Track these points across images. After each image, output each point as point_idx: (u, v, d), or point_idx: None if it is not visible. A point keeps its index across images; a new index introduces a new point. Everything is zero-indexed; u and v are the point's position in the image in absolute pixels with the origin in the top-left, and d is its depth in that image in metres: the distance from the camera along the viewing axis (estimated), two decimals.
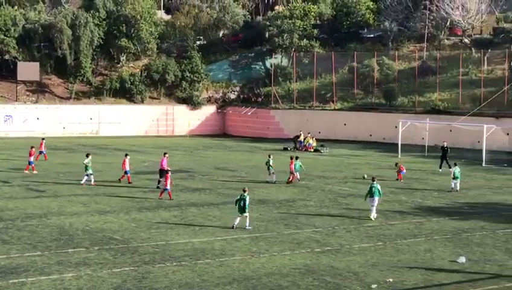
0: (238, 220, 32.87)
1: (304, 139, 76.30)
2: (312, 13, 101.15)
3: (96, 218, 34.97)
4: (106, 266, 25.84)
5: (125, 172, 47.26)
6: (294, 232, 32.23)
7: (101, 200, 40.42)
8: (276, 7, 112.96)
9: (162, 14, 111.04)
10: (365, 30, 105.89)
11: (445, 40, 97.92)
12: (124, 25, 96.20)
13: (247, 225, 32.78)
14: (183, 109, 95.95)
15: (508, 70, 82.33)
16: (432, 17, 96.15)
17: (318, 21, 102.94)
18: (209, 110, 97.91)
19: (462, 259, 27.35)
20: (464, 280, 24.77)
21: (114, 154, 67.33)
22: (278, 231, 32.56)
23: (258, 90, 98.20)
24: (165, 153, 47.26)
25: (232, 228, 32.64)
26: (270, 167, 48.57)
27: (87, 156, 47.35)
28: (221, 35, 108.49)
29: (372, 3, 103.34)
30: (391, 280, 24.56)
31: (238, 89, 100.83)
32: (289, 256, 27.81)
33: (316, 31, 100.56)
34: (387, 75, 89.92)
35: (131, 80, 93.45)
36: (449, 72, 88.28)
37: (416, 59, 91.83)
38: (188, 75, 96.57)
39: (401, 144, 67.61)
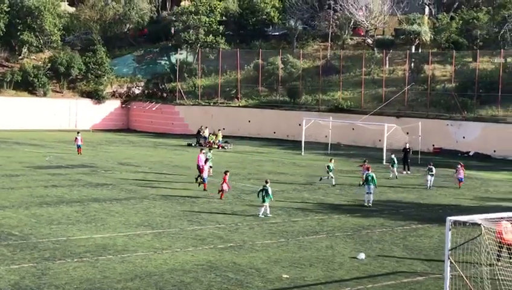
0: (262, 209, 35.46)
1: (209, 135, 76.25)
2: (218, 9, 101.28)
3: None
4: (4, 263, 25.23)
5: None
6: (197, 229, 32.20)
7: None
8: (182, 2, 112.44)
9: (65, 6, 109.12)
10: (270, 28, 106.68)
11: (349, 40, 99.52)
12: (27, 17, 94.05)
13: (268, 212, 35.47)
14: (87, 103, 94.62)
15: (408, 70, 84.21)
16: (336, 17, 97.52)
17: (224, 17, 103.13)
18: (114, 104, 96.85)
19: (362, 255, 27.86)
20: (364, 276, 25.21)
21: (13, 148, 65.97)
22: (181, 227, 32.48)
23: (163, 86, 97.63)
24: (201, 149, 49.17)
25: (265, 215, 35.24)
26: (330, 171, 47.83)
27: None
28: (126, 29, 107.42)
29: (277, 1, 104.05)
30: (287, 276, 24.80)
31: (142, 84, 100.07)
32: (192, 252, 27.77)
33: (221, 27, 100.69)
34: (291, 73, 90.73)
35: (35, 73, 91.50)
36: (352, 72, 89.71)
37: (321, 58, 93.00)
38: (94, 67, 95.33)
39: (305, 142, 68.45)
